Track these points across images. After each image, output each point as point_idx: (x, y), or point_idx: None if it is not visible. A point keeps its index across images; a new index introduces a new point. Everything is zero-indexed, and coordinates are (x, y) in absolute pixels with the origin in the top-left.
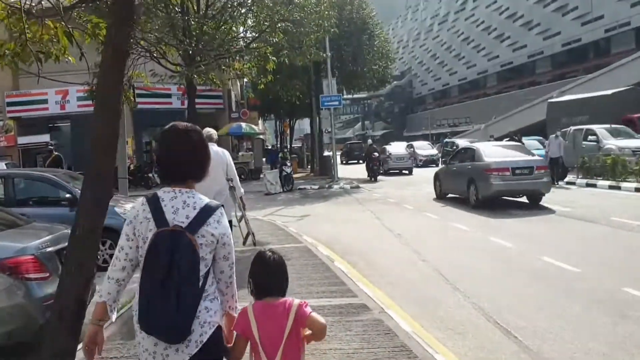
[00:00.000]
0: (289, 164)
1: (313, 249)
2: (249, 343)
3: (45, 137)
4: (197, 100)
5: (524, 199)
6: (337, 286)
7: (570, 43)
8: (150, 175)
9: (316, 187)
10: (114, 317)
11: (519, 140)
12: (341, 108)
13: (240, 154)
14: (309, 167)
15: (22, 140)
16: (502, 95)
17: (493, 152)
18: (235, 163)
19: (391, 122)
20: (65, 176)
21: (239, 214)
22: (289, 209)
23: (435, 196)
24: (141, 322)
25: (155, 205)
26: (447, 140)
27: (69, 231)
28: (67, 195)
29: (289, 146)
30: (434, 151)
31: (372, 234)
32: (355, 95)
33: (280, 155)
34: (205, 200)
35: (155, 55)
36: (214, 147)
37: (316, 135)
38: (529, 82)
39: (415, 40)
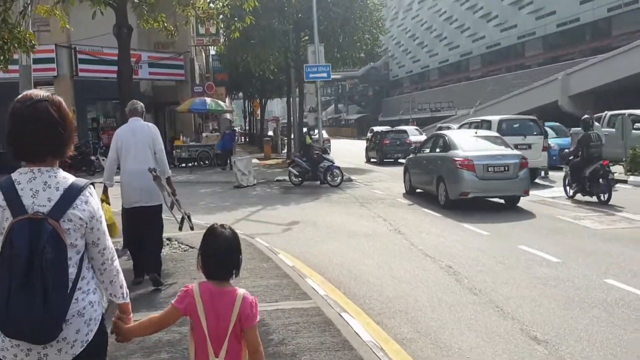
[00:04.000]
0: (328, 151)
1: (333, 316)
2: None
3: None
4: (155, 70)
5: None
6: None
7: (566, 23)
8: (94, 158)
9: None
10: None
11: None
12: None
13: (204, 135)
14: (284, 152)
15: None
16: (487, 79)
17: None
18: (198, 146)
19: (365, 106)
20: None
21: (169, 199)
22: (269, 210)
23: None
24: (1, 326)
25: (9, 190)
26: (441, 125)
27: None
28: None
29: (260, 128)
30: (423, 137)
31: (406, 265)
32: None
33: (306, 140)
34: (71, 179)
35: None
36: (139, 122)
37: (295, 115)
38: (516, 65)
39: (393, 20)
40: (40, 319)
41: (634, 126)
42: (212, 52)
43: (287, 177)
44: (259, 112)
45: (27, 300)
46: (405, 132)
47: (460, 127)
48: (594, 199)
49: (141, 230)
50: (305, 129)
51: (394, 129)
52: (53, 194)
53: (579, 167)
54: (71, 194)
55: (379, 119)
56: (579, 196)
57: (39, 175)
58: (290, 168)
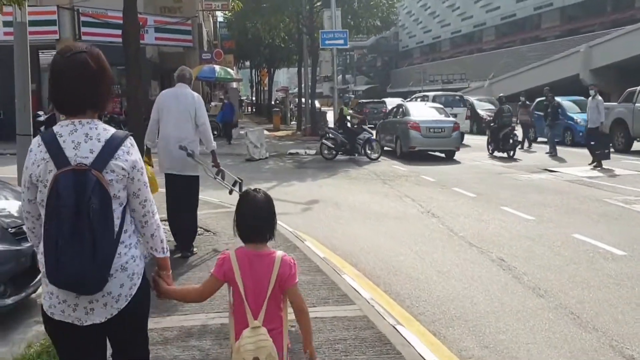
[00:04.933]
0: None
1: (386, 330)
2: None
3: None
4: (161, 35)
5: None
6: None
7: None
8: None
9: (312, 152)
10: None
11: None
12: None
13: (212, 104)
14: (293, 123)
15: None
16: (501, 51)
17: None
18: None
19: (373, 77)
20: None
21: (211, 172)
22: (285, 186)
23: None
24: (51, 276)
25: (52, 143)
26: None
27: None
28: None
29: (268, 98)
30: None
31: (450, 256)
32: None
33: (344, 111)
34: (111, 130)
35: None
36: (185, 89)
37: (307, 84)
38: (531, 38)
39: None
40: (89, 268)
41: None
42: (220, 18)
43: (300, 150)
44: (266, 81)
45: (76, 249)
46: (382, 102)
47: (410, 100)
48: (506, 155)
49: (176, 197)
50: (344, 99)
51: (373, 100)
52: (95, 146)
53: (495, 132)
54: (113, 145)
55: (387, 90)
56: (496, 153)
57: (80, 127)
58: (323, 140)
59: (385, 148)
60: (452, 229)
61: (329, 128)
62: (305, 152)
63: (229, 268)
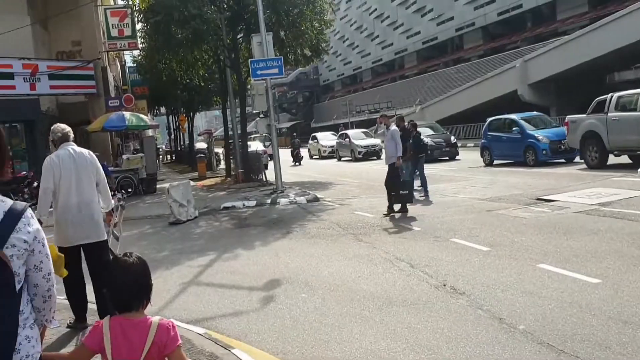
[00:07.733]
0: None
1: None
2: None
3: None
4: (56, 83)
5: None
6: None
7: (508, 11)
8: None
9: (252, 203)
10: None
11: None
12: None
13: (124, 157)
14: (220, 168)
15: None
16: (425, 75)
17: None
18: (117, 172)
19: (296, 113)
20: None
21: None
22: (228, 259)
23: None
24: None
25: None
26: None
27: None
28: None
29: (190, 145)
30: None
31: None
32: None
33: None
34: (8, 201)
35: None
36: (74, 148)
37: (234, 124)
38: (454, 60)
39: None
40: None
41: None
42: (129, 62)
43: (235, 203)
44: (185, 126)
45: None
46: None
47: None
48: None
49: (81, 272)
50: None
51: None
52: None
53: (293, 152)
54: (13, 217)
55: (311, 125)
56: None
57: None
58: None
59: None
60: (500, 316)
61: None
62: (244, 205)
63: (99, 339)
